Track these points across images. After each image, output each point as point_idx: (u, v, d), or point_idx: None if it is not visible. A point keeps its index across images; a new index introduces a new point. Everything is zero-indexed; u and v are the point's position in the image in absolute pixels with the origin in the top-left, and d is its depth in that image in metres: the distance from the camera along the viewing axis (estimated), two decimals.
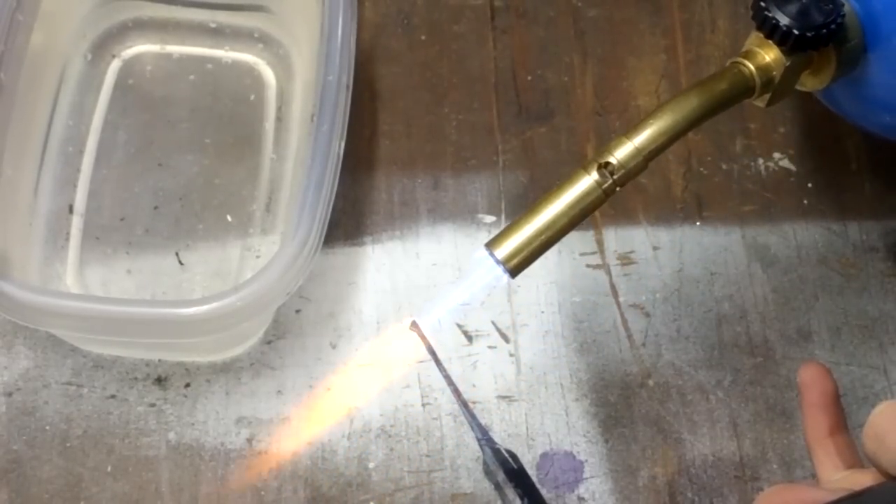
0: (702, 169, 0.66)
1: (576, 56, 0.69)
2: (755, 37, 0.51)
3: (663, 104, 0.49)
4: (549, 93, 0.68)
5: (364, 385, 0.60)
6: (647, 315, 0.62)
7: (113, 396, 0.59)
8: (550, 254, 0.63)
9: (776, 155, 0.67)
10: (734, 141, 0.67)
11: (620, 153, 0.47)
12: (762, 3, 0.49)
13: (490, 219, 0.64)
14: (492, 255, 0.47)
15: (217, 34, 0.67)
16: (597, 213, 0.64)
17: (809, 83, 0.53)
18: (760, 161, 0.66)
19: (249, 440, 0.58)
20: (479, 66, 0.68)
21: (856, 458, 0.47)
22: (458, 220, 0.64)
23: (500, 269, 0.47)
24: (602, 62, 0.69)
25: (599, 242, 0.64)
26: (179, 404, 0.59)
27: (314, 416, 0.59)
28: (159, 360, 0.60)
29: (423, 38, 0.69)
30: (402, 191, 0.65)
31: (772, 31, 0.49)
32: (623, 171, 0.47)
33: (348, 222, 0.64)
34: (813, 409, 0.48)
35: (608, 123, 0.67)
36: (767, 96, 0.51)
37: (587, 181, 0.47)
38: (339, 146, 0.55)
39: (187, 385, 0.59)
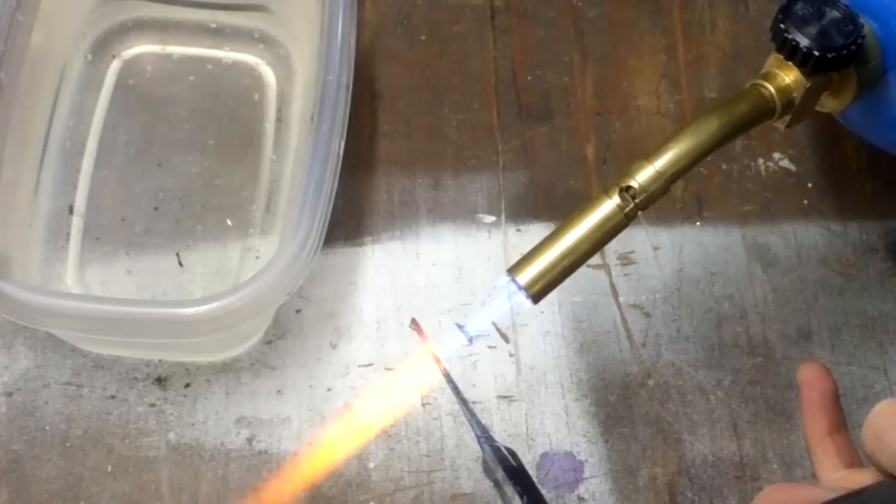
0: (702, 169, 0.66)
1: (576, 56, 0.69)
2: (774, 58, 0.50)
3: (684, 127, 0.49)
4: (549, 93, 0.68)
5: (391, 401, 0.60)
6: (647, 315, 0.62)
7: (113, 396, 0.59)
8: None
9: (776, 155, 0.67)
10: (734, 141, 0.67)
11: (642, 177, 0.47)
12: (782, 25, 0.49)
13: (490, 219, 0.64)
14: (514, 281, 0.47)
15: (217, 34, 0.67)
16: None
17: (829, 104, 0.53)
18: (760, 161, 0.66)
19: (249, 440, 0.58)
20: (479, 66, 0.68)
21: (855, 457, 0.47)
22: (458, 220, 0.64)
23: (522, 295, 0.47)
24: (602, 62, 0.69)
25: None
26: (179, 404, 0.59)
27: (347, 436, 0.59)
28: (159, 360, 0.60)
29: (423, 38, 0.69)
30: (402, 191, 0.65)
31: (792, 53, 0.49)
32: (645, 194, 0.47)
33: (348, 222, 0.64)
34: (812, 408, 0.48)
35: (608, 123, 0.67)
36: (787, 118, 0.51)
37: (609, 205, 0.47)
38: (339, 146, 0.55)
39: (187, 385, 0.59)
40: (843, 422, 0.48)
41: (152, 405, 0.59)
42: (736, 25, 0.70)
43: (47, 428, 0.58)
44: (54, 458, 0.57)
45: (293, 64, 0.67)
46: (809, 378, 0.49)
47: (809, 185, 0.66)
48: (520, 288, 0.47)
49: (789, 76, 0.50)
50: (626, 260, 0.63)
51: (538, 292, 0.47)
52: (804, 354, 0.61)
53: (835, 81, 0.52)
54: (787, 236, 0.64)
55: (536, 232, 0.64)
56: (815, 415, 0.48)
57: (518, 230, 0.64)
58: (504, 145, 0.66)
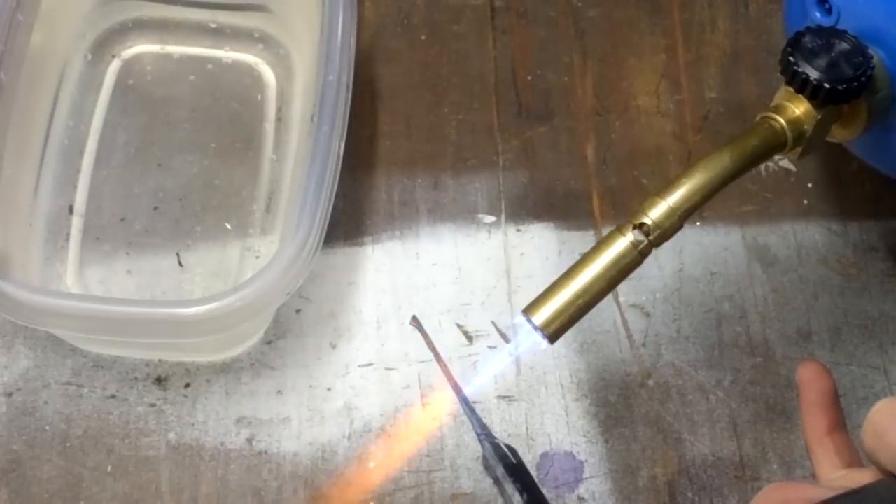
0: None
1: (576, 56, 0.69)
2: (784, 91, 0.50)
3: (696, 162, 0.48)
4: (549, 93, 0.68)
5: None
6: (647, 315, 0.62)
7: (113, 396, 0.59)
8: (550, 254, 0.63)
9: (776, 155, 0.66)
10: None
11: (655, 213, 0.47)
12: (791, 58, 0.49)
13: (490, 219, 0.64)
14: (529, 321, 0.47)
15: (217, 34, 0.67)
16: (596, 212, 0.64)
17: (840, 134, 0.53)
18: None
19: (249, 440, 0.58)
20: (479, 66, 0.68)
21: (854, 457, 0.47)
22: (458, 220, 0.64)
23: (538, 335, 0.47)
24: (602, 62, 0.69)
25: None
26: (179, 404, 0.59)
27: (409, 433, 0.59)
28: (159, 360, 0.60)
29: (423, 38, 0.69)
30: (402, 191, 0.65)
31: (802, 86, 0.49)
32: (659, 231, 0.47)
33: (348, 222, 0.64)
34: (812, 407, 0.48)
35: (608, 123, 0.67)
36: (799, 150, 0.51)
37: (623, 243, 0.47)
38: (339, 146, 0.55)
39: (187, 385, 0.59)
40: (842, 421, 0.48)
41: (152, 405, 0.59)
42: (736, 25, 0.70)
43: (47, 428, 0.58)
44: (54, 458, 0.57)
45: (293, 64, 0.67)
46: (808, 377, 0.49)
47: (809, 185, 0.66)
48: (535, 328, 0.46)
49: (799, 108, 0.50)
50: None
51: (554, 332, 0.47)
52: (804, 354, 0.61)
53: (845, 112, 0.51)
54: (787, 236, 0.64)
55: (536, 232, 0.64)
56: (815, 414, 0.48)
57: (518, 230, 0.64)
58: (504, 145, 0.66)
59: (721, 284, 0.63)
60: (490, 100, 0.67)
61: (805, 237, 0.64)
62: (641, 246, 0.47)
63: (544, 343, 0.47)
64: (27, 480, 0.57)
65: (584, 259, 0.47)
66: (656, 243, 0.47)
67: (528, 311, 0.47)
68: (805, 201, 0.65)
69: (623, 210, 0.64)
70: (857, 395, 0.61)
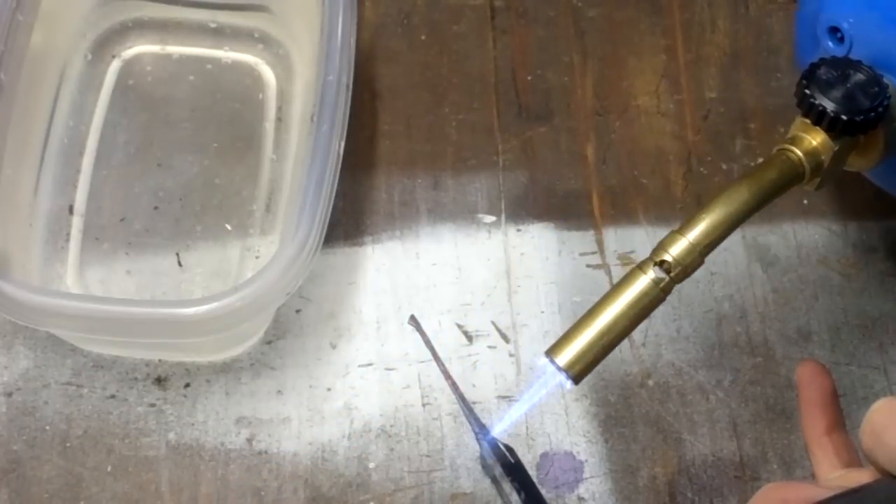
0: (702, 169, 0.66)
1: (576, 56, 0.69)
2: (800, 122, 0.50)
3: (715, 197, 0.48)
4: (549, 93, 0.68)
5: None
6: None
7: (113, 396, 0.59)
8: (550, 254, 0.63)
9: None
10: (734, 141, 0.67)
11: (675, 250, 0.47)
12: (807, 91, 0.49)
13: (490, 219, 0.64)
14: (553, 362, 0.46)
15: (217, 34, 0.67)
16: (596, 212, 0.64)
17: (857, 164, 0.53)
18: (760, 161, 0.66)
19: (249, 440, 0.58)
20: (479, 66, 0.68)
21: (853, 456, 0.47)
22: (458, 220, 0.64)
23: (562, 376, 0.46)
24: (602, 62, 0.69)
25: (599, 242, 0.64)
26: (179, 404, 0.59)
27: None
28: (159, 360, 0.60)
29: (423, 38, 0.69)
30: (402, 191, 0.65)
31: (819, 118, 0.49)
32: (680, 267, 0.47)
33: (348, 222, 0.64)
34: (811, 407, 0.48)
35: (608, 123, 0.67)
36: (817, 181, 0.51)
37: (644, 281, 0.46)
38: (339, 146, 0.55)
39: (187, 385, 0.59)
40: (841, 421, 0.48)
41: (152, 405, 0.59)
42: (736, 25, 0.70)
43: (47, 428, 0.58)
44: (54, 458, 0.57)
45: (293, 64, 0.67)
46: (808, 377, 0.49)
47: None
48: (559, 369, 0.46)
49: (816, 139, 0.49)
50: (626, 260, 0.63)
51: (579, 373, 0.46)
52: (804, 354, 0.61)
53: (862, 142, 0.51)
54: (787, 236, 0.64)
55: (536, 232, 0.64)
56: (814, 414, 0.48)
57: (518, 230, 0.64)
58: (504, 145, 0.66)
59: (721, 284, 0.63)
60: (490, 100, 0.67)
61: (805, 237, 0.64)
62: (663, 283, 0.46)
63: (568, 384, 0.46)
64: (27, 480, 0.57)
65: (606, 298, 0.47)
66: (678, 280, 0.47)
67: (552, 352, 0.46)
68: (805, 201, 0.65)
69: (623, 210, 0.65)
70: (856, 395, 0.61)
